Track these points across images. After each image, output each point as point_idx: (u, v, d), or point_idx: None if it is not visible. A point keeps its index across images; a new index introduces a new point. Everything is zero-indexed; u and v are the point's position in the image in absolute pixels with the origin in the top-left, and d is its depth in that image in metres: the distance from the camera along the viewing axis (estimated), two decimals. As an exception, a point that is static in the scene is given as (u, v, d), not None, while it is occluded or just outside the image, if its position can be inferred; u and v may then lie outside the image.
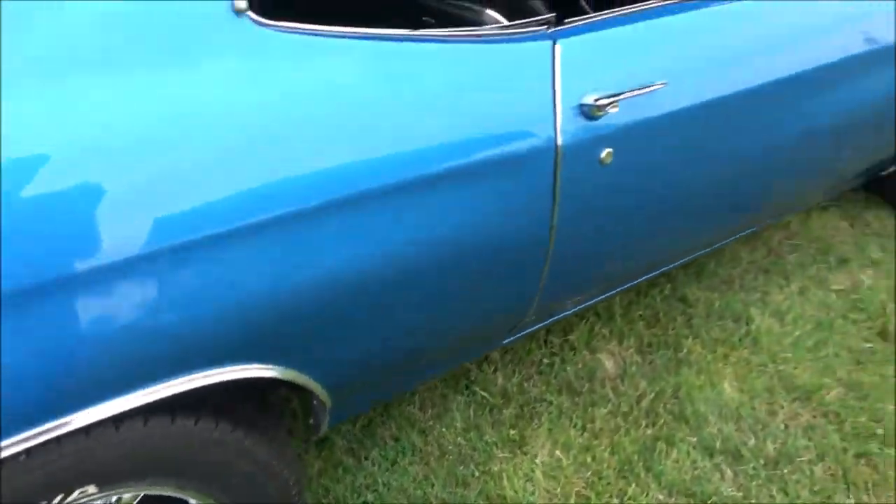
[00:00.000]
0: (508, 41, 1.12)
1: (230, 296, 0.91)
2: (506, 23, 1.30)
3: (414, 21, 1.62)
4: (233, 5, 0.89)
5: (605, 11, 1.24)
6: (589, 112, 1.16)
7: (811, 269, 2.22)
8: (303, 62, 0.95)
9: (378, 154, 0.99)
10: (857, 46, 1.66)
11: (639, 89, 1.20)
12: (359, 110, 0.98)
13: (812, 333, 1.97)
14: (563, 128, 1.14)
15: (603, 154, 1.21)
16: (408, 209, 1.03)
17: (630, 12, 1.25)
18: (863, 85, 1.72)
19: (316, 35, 0.96)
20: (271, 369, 1.01)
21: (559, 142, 1.15)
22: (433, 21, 1.57)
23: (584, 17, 1.21)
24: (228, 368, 0.96)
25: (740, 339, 1.95)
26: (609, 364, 1.90)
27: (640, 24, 1.25)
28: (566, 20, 1.21)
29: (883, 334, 1.97)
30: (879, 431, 1.66)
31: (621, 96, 1.17)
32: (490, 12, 1.41)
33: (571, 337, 1.95)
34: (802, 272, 2.21)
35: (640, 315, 2.03)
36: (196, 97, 0.87)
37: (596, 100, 1.15)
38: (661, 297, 2.09)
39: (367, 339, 1.12)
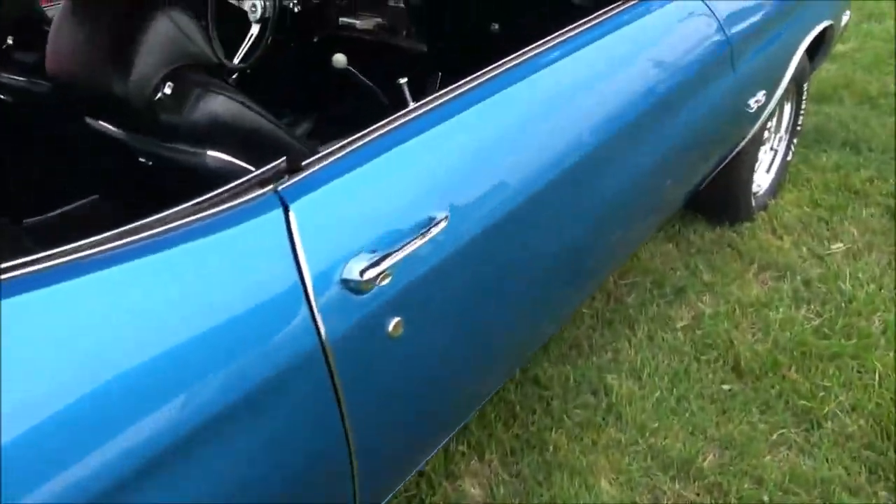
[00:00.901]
0: (222, 226, 0.79)
1: None
2: (231, 179, 0.98)
3: (125, 164, 1.27)
4: None
5: (347, 141, 0.94)
6: (357, 287, 0.86)
7: (652, 309, 2.11)
8: None
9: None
10: (665, 84, 1.55)
11: (416, 238, 0.92)
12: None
13: (671, 389, 1.84)
14: (325, 318, 0.84)
15: (391, 327, 0.92)
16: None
17: (374, 137, 0.96)
18: (676, 121, 1.62)
19: None
20: None
21: (324, 336, 0.85)
22: (150, 163, 1.23)
23: (316, 157, 0.90)
24: None
25: (604, 417, 1.77)
26: (475, 491, 1.63)
27: (395, 150, 0.97)
28: (302, 164, 0.91)
29: (737, 370, 1.88)
30: (765, 498, 1.54)
31: (395, 255, 0.89)
32: (214, 154, 1.09)
33: (426, 469, 1.66)
34: (645, 314, 2.09)
35: (496, 415, 1.79)
36: None
37: (362, 271, 0.86)
38: (514, 384, 1.87)
39: None
